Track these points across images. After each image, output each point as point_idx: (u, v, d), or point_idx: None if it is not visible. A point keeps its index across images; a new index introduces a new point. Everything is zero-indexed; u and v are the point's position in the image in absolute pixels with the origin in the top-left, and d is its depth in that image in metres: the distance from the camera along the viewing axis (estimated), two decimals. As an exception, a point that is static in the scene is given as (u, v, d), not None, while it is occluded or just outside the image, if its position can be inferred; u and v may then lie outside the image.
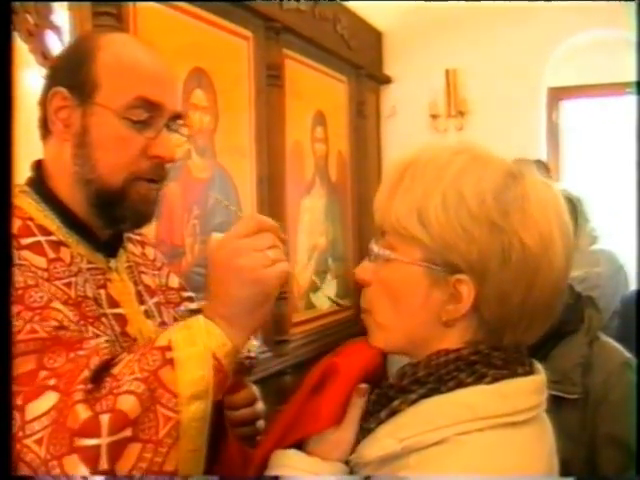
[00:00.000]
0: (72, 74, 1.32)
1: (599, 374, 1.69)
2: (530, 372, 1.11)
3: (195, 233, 3.22)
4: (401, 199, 1.08)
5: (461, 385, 1.05)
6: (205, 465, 1.17)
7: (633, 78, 5.00)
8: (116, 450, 1.04)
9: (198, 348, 1.12)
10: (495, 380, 1.05)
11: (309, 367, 4.08)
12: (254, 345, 1.38)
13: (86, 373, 1.09)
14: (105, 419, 1.04)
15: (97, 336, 1.27)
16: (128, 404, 1.06)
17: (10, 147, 1.07)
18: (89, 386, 1.07)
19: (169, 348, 1.12)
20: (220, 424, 1.31)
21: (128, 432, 1.05)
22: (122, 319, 1.36)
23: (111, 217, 1.36)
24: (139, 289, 1.46)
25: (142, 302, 1.44)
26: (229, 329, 1.15)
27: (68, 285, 1.28)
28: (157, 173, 1.37)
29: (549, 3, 4.84)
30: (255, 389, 1.43)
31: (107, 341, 1.28)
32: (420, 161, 1.10)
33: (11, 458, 1.04)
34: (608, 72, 5.04)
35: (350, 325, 4.97)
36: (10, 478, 1.03)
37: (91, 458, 1.02)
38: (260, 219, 1.20)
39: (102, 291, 1.35)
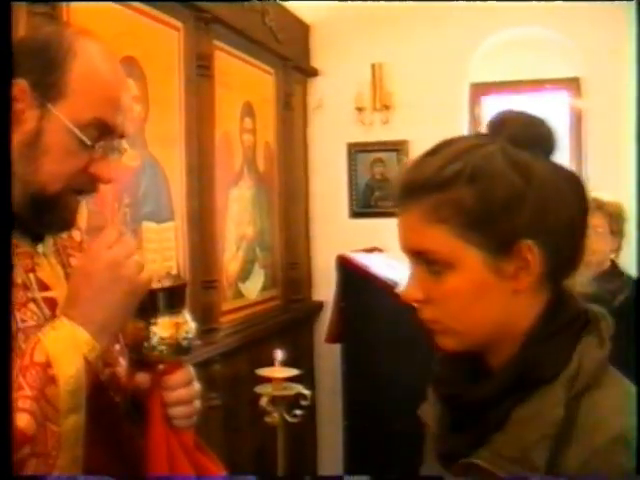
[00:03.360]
0: (39, 72, 1.32)
1: (577, 452, 1.05)
2: None
3: (126, 221, 3.22)
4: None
5: None
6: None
7: (553, 75, 5.19)
8: (20, 467, 1.13)
9: (76, 363, 1.22)
10: None
11: (237, 356, 4.13)
12: (192, 327, 1.42)
13: None
14: None
15: (23, 321, 1.30)
16: (25, 422, 1.14)
17: (8, 151, 1.09)
18: None
19: (49, 364, 1.20)
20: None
21: (27, 449, 1.14)
22: (52, 302, 1.39)
23: (37, 221, 1.38)
24: (67, 272, 1.48)
25: None
26: (100, 334, 1.27)
27: None
28: (90, 188, 1.42)
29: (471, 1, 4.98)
30: (191, 370, 1.47)
31: (34, 326, 1.30)
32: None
33: (11, 458, 1.08)
34: (529, 69, 5.20)
35: (278, 314, 5.04)
36: (10, 478, 1.06)
37: None
38: (117, 227, 1.32)
39: (31, 275, 1.37)
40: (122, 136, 1.41)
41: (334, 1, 5.24)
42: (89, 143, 1.33)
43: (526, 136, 1.13)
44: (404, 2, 5.06)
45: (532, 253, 1.09)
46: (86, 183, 1.39)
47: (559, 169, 1.15)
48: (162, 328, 1.36)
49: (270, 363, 3.85)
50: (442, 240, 1.10)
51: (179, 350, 1.39)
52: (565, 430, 1.05)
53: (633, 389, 1.10)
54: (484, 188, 1.09)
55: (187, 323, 1.41)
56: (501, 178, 1.09)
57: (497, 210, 1.08)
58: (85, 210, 2.83)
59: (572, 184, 1.15)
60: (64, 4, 2.75)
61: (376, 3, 5.14)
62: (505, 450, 1.07)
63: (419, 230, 1.13)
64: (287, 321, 5.09)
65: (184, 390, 1.42)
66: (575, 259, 1.16)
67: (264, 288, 4.87)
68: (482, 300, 1.12)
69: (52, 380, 1.19)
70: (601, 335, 1.12)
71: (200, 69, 3.91)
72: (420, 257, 1.14)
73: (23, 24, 2.43)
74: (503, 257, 1.10)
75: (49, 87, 1.32)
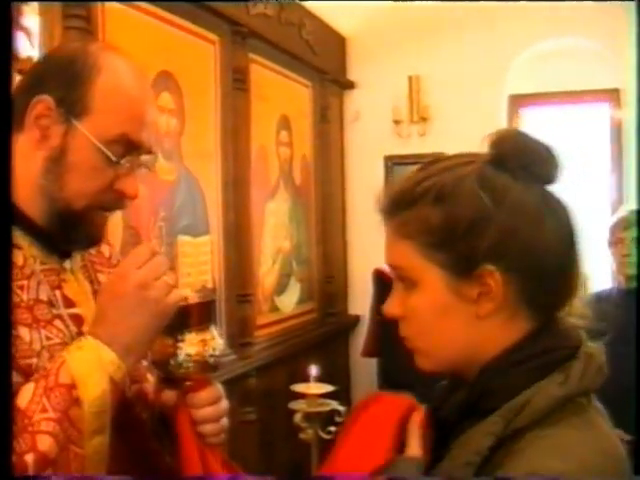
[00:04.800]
0: (64, 88, 1.31)
1: None
2: None
3: (161, 235, 3.23)
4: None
5: None
6: None
7: (593, 86, 5.13)
8: None
9: (101, 384, 1.20)
10: None
11: (273, 370, 4.09)
12: (219, 343, 1.40)
13: None
14: (30, 460, 1.10)
15: (48, 339, 1.28)
16: (47, 445, 1.12)
17: (9, 151, 1.09)
18: None
19: (74, 386, 1.18)
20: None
21: (49, 472, 1.12)
22: (79, 319, 1.37)
23: (64, 237, 1.37)
24: (95, 288, 1.46)
25: None
26: (126, 354, 1.24)
27: (21, 288, 1.28)
28: (116, 205, 1.40)
29: (511, 10, 4.93)
30: (219, 387, 1.44)
31: (59, 344, 1.29)
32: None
33: (11, 458, 1.07)
34: (568, 80, 5.14)
35: (314, 328, 5.02)
36: (10, 478, 1.06)
37: None
38: (150, 245, 1.29)
39: (57, 292, 1.36)
40: (149, 152, 1.40)
41: (375, 0, 5.22)
42: (114, 159, 1.32)
43: (513, 159, 1.08)
44: (440, 12, 5.04)
45: (494, 279, 1.05)
46: (112, 199, 1.37)
47: (548, 197, 1.10)
48: (189, 345, 1.34)
49: (306, 377, 3.83)
50: (408, 256, 1.10)
51: (206, 367, 1.37)
52: (492, 461, 1.01)
53: (588, 437, 1.02)
54: (450, 208, 1.06)
55: (214, 339, 1.38)
56: (469, 199, 1.06)
57: (461, 231, 1.05)
58: (121, 224, 2.85)
59: (559, 214, 1.10)
60: (99, 21, 2.77)
61: (412, 15, 5.12)
62: (443, 472, 1.06)
63: (391, 245, 1.14)
64: (323, 335, 5.07)
65: (211, 408, 1.39)
66: (563, 291, 1.11)
67: (300, 302, 4.86)
68: (444, 322, 1.09)
69: (76, 402, 1.17)
70: (568, 374, 1.04)
71: (236, 82, 3.93)
72: (396, 272, 1.14)
73: (58, 38, 2.46)
74: (465, 280, 1.06)
75: (74, 103, 1.31)
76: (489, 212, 1.05)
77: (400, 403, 1.19)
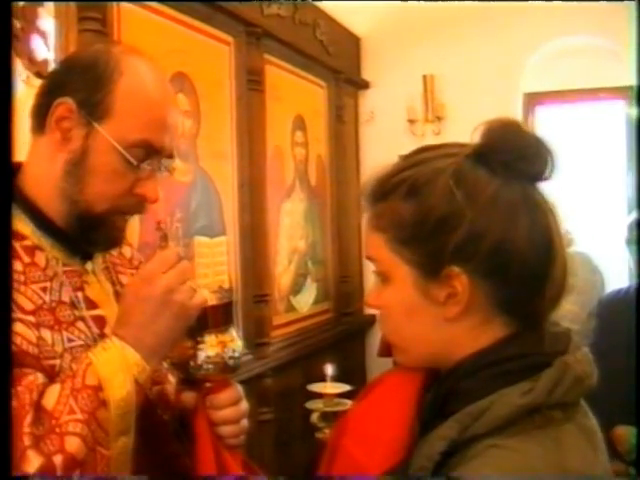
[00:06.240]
0: (86, 90, 1.31)
1: None
2: None
3: (178, 236, 3.24)
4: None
5: None
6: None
7: (607, 84, 5.09)
8: None
9: (126, 385, 1.21)
10: None
11: (289, 370, 4.07)
12: (239, 345, 1.40)
13: (29, 417, 1.13)
14: (58, 461, 1.11)
15: (70, 341, 1.29)
16: (75, 446, 1.13)
17: (9, 149, 1.09)
18: (33, 428, 1.12)
19: (101, 388, 1.19)
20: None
21: (77, 473, 1.13)
22: (101, 320, 1.38)
23: (84, 239, 1.37)
24: (117, 289, 1.47)
25: None
26: (150, 356, 1.25)
27: (43, 290, 1.29)
28: (136, 209, 1.40)
29: (525, 8, 4.91)
30: (239, 388, 1.44)
31: (81, 345, 1.30)
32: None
33: (11, 458, 1.07)
34: (583, 78, 5.12)
35: (330, 328, 5.01)
36: (10, 478, 1.06)
37: None
38: (176, 250, 1.31)
39: (80, 293, 1.37)
40: (170, 156, 1.40)
41: (385, 9, 5.22)
42: (135, 163, 1.32)
43: (495, 154, 1.02)
44: (454, 11, 5.03)
45: (460, 281, 1.00)
46: (132, 203, 1.37)
47: (529, 197, 1.03)
48: (208, 346, 1.35)
49: (322, 376, 3.82)
50: (379, 250, 1.08)
51: (225, 369, 1.37)
52: (447, 467, 0.96)
53: (551, 454, 0.95)
54: (421, 203, 1.02)
55: (234, 341, 1.38)
56: (441, 195, 1.00)
57: (429, 228, 1.01)
58: (138, 226, 2.85)
59: (539, 215, 1.03)
60: (115, 23, 2.78)
61: (426, 14, 5.11)
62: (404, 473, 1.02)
63: (367, 237, 1.11)
64: (339, 334, 5.06)
65: (230, 409, 1.39)
66: (543, 296, 1.04)
67: (316, 301, 4.86)
68: (413, 321, 1.06)
69: (103, 403, 1.18)
70: (536, 384, 0.98)
71: (251, 83, 3.93)
72: (373, 264, 1.12)
73: (73, 41, 2.47)
74: (433, 281, 1.02)
75: (95, 106, 1.31)
76: (460, 209, 0.99)
77: (415, 376, 1.12)
